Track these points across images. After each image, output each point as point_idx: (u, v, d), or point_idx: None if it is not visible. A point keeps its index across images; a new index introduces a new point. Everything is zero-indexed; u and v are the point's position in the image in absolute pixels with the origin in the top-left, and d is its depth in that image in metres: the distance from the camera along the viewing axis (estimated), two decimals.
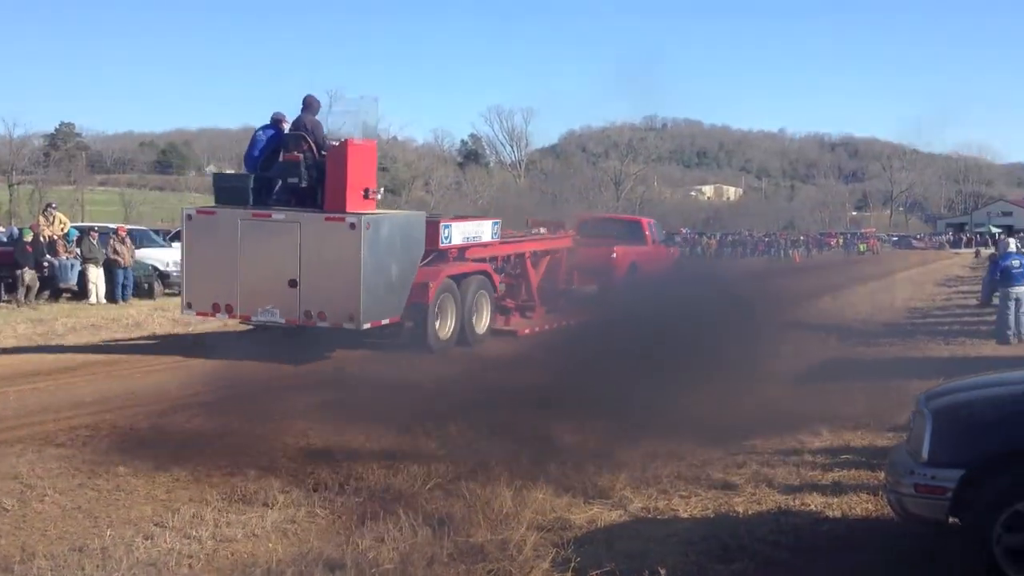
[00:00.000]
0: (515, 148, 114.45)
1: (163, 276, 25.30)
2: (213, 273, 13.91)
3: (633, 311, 16.78)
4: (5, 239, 24.43)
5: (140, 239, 27.03)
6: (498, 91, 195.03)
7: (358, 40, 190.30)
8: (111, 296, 22.67)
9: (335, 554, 6.02)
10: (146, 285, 24.32)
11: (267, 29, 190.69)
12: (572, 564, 5.89)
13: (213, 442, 8.90)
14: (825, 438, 9.53)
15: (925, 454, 5.60)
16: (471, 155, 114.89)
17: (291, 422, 9.73)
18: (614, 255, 21.18)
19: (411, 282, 14.21)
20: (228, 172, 16.07)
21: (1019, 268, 17.16)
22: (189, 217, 14.30)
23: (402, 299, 14.09)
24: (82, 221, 37.25)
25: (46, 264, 22.20)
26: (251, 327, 15.33)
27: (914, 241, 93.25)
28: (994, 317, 18.28)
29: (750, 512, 7.13)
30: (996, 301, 20.74)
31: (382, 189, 15.28)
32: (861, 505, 7.22)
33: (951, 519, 5.57)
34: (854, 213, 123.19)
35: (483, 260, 16.48)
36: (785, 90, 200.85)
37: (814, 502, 7.29)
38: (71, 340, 16.32)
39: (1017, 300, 16.94)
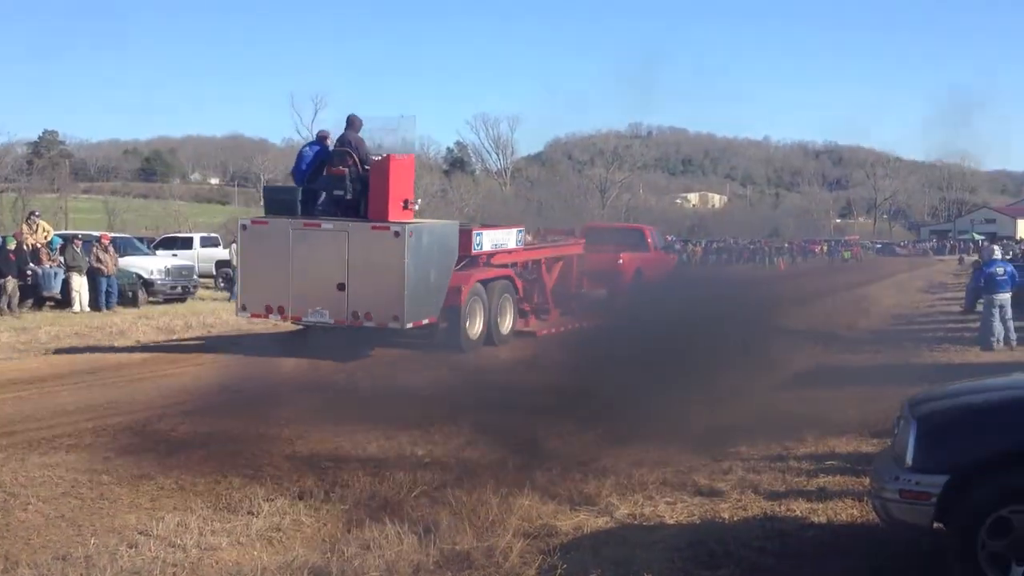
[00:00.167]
0: (501, 156, 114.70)
1: (147, 284, 25.24)
2: (266, 278, 14.93)
3: (639, 316, 18.02)
4: None
5: (124, 247, 26.96)
6: (484, 98, 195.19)
7: (344, 48, 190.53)
8: (95, 304, 22.58)
9: (320, 562, 6.00)
10: (130, 293, 24.22)
11: (252, 37, 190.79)
12: (558, 571, 5.88)
13: (198, 450, 8.87)
14: (810, 444, 9.54)
15: (910, 460, 5.61)
16: (457, 163, 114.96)
17: (278, 429, 9.72)
18: (620, 261, 22.24)
19: (447, 286, 15.24)
20: (278, 185, 17.75)
21: (1003, 275, 17.25)
22: (244, 227, 15.45)
23: (439, 301, 15.11)
24: (66, 229, 37.12)
25: (29, 272, 22.09)
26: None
27: (898, 248, 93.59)
28: (978, 324, 18.37)
29: (736, 518, 7.13)
30: (980, 308, 20.89)
31: (419, 200, 16.44)
32: (846, 511, 7.23)
33: (936, 525, 5.58)
34: (838, 220, 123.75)
35: (507, 265, 17.53)
36: (770, 97, 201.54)
37: (800, 508, 7.30)
38: (54, 348, 16.22)
39: (1001, 307, 17.02)
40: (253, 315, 15.27)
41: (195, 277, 28.04)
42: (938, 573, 5.65)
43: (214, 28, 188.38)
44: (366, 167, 15.08)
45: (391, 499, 7.41)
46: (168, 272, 26.16)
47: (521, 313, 18.01)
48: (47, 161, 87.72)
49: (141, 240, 32.87)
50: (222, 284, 31.18)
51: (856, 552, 6.33)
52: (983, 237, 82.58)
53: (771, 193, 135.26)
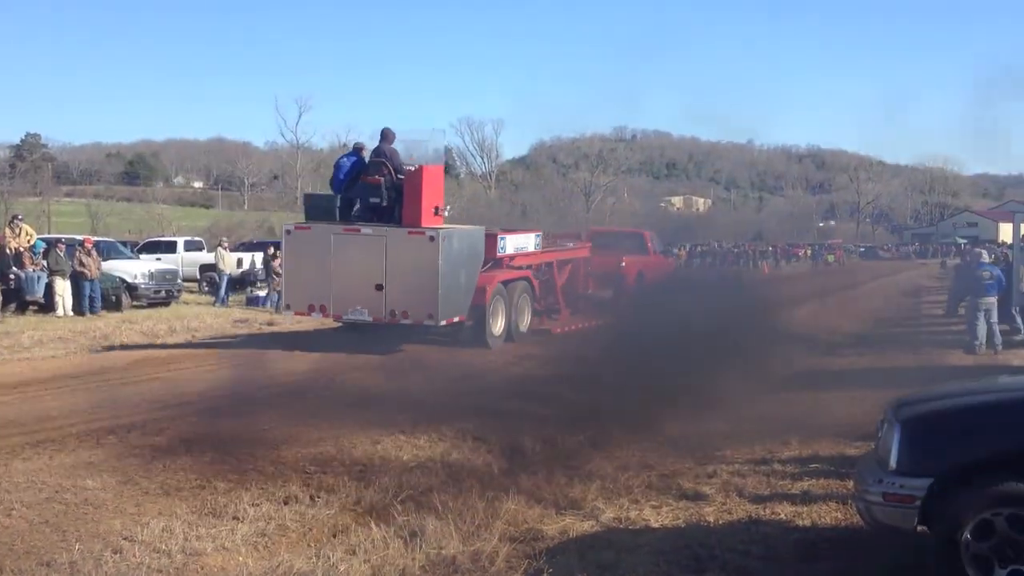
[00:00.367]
0: (485, 159, 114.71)
1: (131, 288, 25.12)
2: (309, 279, 16.03)
3: (642, 317, 19.15)
4: None
5: (107, 251, 26.87)
6: (468, 101, 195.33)
7: (326, 50, 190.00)
8: (78, 309, 22.46)
9: (306, 567, 6.00)
10: (113, 297, 24.07)
11: (234, 39, 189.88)
12: (544, 575, 5.90)
13: (182, 455, 8.84)
14: (795, 447, 9.60)
15: (893, 463, 5.65)
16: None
17: (264, 433, 9.70)
18: (623, 264, 23.19)
19: (474, 286, 16.41)
20: (318, 193, 19.25)
21: (990, 279, 17.33)
22: (288, 232, 16.62)
23: (468, 300, 16.26)
24: (48, 233, 36.90)
25: (12, 276, 21.98)
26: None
27: (881, 252, 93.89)
28: (960, 327, 18.49)
29: (721, 522, 7.16)
30: (962, 311, 21.02)
31: (448, 207, 17.49)
32: (830, 514, 7.27)
33: (919, 528, 5.62)
34: (821, 224, 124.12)
35: (525, 267, 18.67)
36: (755, 101, 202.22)
37: (784, 511, 7.34)
38: (37, 353, 16.14)
39: (987, 311, 17.11)
40: (297, 313, 16.49)
41: (179, 281, 27.92)
42: None
43: (197, 30, 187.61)
44: (400, 176, 16.20)
45: (377, 503, 7.41)
46: (152, 276, 26.05)
47: (535, 312, 19.02)
48: (29, 164, 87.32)
49: (124, 244, 32.74)
50: (206, 288, 31.10)
51: (840, 555, 6.36)
52: (965, 241, 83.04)
53: (755, 197, 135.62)
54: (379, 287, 15.57)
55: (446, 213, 16.98)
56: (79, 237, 27.15)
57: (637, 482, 8.25)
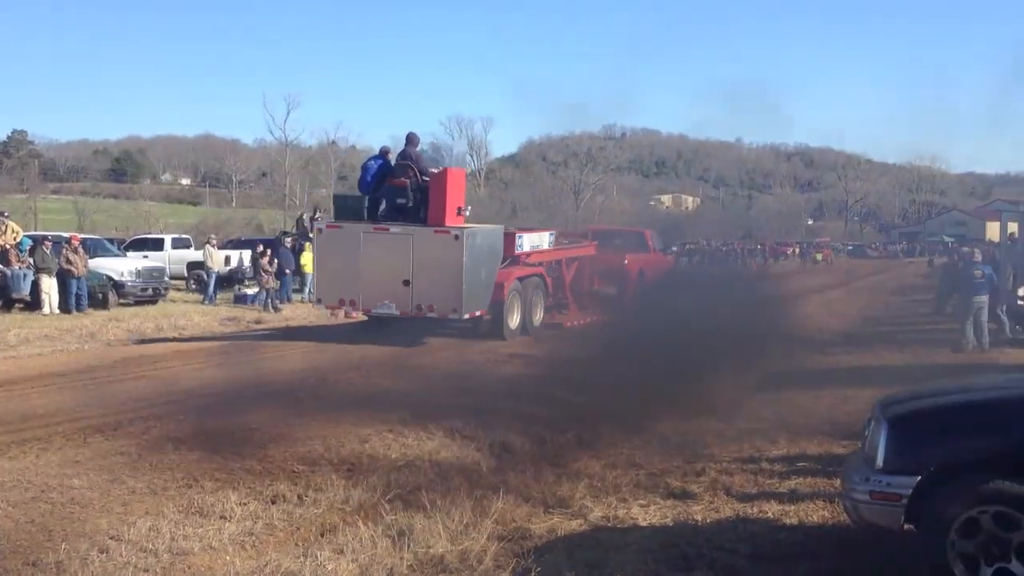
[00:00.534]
0: (475, 157, 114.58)
1: (118, 286, 25.00)
2: (339, 274, 16.99)
3: (642, 315, 20.12)
4: None
5: (94, 248, 26.71)
6: (458, 99, 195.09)
7: (315, 48, 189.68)
8: (64, 306, 22.35)
9: (294, 566, 5.98)
10: (100, 295, 23.96)
11: (222, 36, 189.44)
12: (532, 574, 5.90)
13: (169, 454, 8.81)
14: (782, 446, 9.63)
15: (880, 461, 5.67)
16: (431, 163, 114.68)
17: (252, 432, 9.67)
18: (626, 262, 23.91)
19: (494, 282, 17.38)
20: (347, 194, 20.60)
21: (981, 278, 17.37)
22: (320, 230, 17.69)
23: (488, 296, 17.22)
24: (35, 230, 36.71)
25: None
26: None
27: (869, 250, 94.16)
28: (948, 325, 18.54)
29: (708, 520, 7.18)
30: (950, 309, 21.10)
31: (469, 207, 18.37)
32: (818, 512, 7.29)
33: (906, 526, 5.63)
34: (810, 222, 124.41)
35: (538, 265, 19.53)
36: (742, 99, 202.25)
37: (771, 510, 7.36)
38: (24, 351, 16.08)
39: (978, 309, 17.15)
40: (328, 307, 17.56)
41: (166, 279, 27.80)
42: (908, 574, 5.70)
43: (185, 27, 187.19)
44: (425, 178, 17.19)
45: (365, 502, 7.40)
46: (139, 274, 25.91)
47: (545, 308, 19.79)
48: (16, 161, 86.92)
49: (111, 241, 32.59)
50: (194, 286, 30.98)
51: (827, 554, 6.38)
52: (953, 239, 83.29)
53: (743, 195, 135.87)
54: (406, 283, 16.53)
55: (467, 213, 17.89)
56: (66, 234, 26.97)
57: (625, 480, 8.27)
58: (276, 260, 26.34)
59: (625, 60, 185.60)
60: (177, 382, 12.96)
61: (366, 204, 17.47)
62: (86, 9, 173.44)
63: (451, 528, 6.68)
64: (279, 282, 26.42)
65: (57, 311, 22.10)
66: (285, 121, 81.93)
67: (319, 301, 17.78)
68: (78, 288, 22.74)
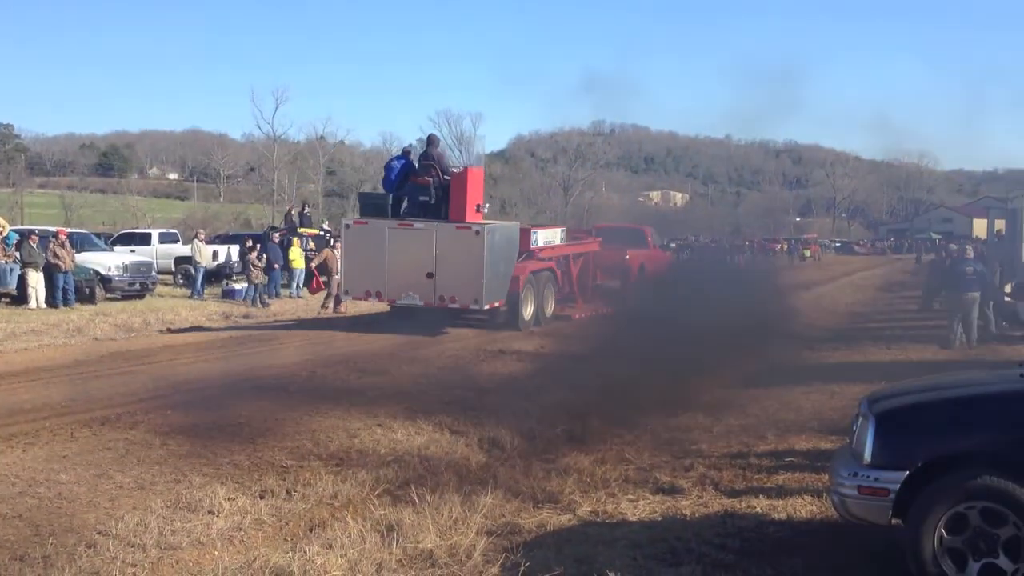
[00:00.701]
0: (464, 152, 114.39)
1: (105, 281, 24.90)
2: (366, 267, 17.89)
3: (644, 307, 20.78)
4: None
5: (81, 243, 26.62)
6: (447, 95, 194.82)
7: (303, 42, 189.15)
8: (51, 301, 22.28)
9: (282, 561, 5.97)
10: (87, 290, 23.88)
11: (210, 30, 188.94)
12: (521, 568, 5.90)
13: (157, 448, 8.79)
14: (770, 441, 9.65)
15: (868, 456, 5.69)
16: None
17: (240, 427, 9.66)
18: (627, 257, 24.93)
19: (510, 275, 18.28)
20: (371, 192, 21.83)
21: (972, 274, 17.42)
22: (347, 226, 18.61)
23: (505, 288, 18.16)
24: (21, 224, 36.60)
25: None
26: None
27: (856, 247, 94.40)
28: (935, 322, 18.60)
29: (697, 515, 7.19)
30: (937, 306, 21.17)
31: (487, 204, 19.61)
32: (806, 507, 7.31)
33: (894, 521, 5.66)
34: (798, 219, 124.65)
35: (549, 259, 20.43)
36: (731, 97, 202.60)
37: (760, 505, 7.38)
38: (10, 346, 16.00)
39: (968, 306, 17.19)
40: (355, 297, 18.76)
41: (154, 274, 27.72)
42: (896, 569, 5.72)
43: (173, 21, 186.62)
44: (446, 177, 18.24)
45: (354, 497, 7.39)
46: (126, 268, 25.83)
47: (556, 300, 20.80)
48: (2, 155, 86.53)
49: (99, 236, 32.42)
50: (181, 281, 30.89)
51: (815, 548, 6.39)
52: (940, 236, 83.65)
53: (732, 192, 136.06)
54: (430, 275, 17.47)
55: (485, 210, 19.06)
56: (52, 229, 26.90)
57: (614, 475, 8.28)
58: (264, 255, 26.28)
59: (619, 55, 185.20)
60: (165, 377, 12.92)
61: (390, 202, 18.40)
62: (73, 2, 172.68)
63: (440, 523, 6.68)
64: (267, 277, 26.36)
65: (44, 306, 22.03)
66: (273, 116, 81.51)
67: (346, 292, 18.71)
68: (65, 282, 22.68)
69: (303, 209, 36.57)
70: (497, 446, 9.31)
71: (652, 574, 5.93)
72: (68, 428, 9.55)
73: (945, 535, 5.41)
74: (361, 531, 6.48)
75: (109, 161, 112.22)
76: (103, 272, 25.00)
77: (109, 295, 24.79)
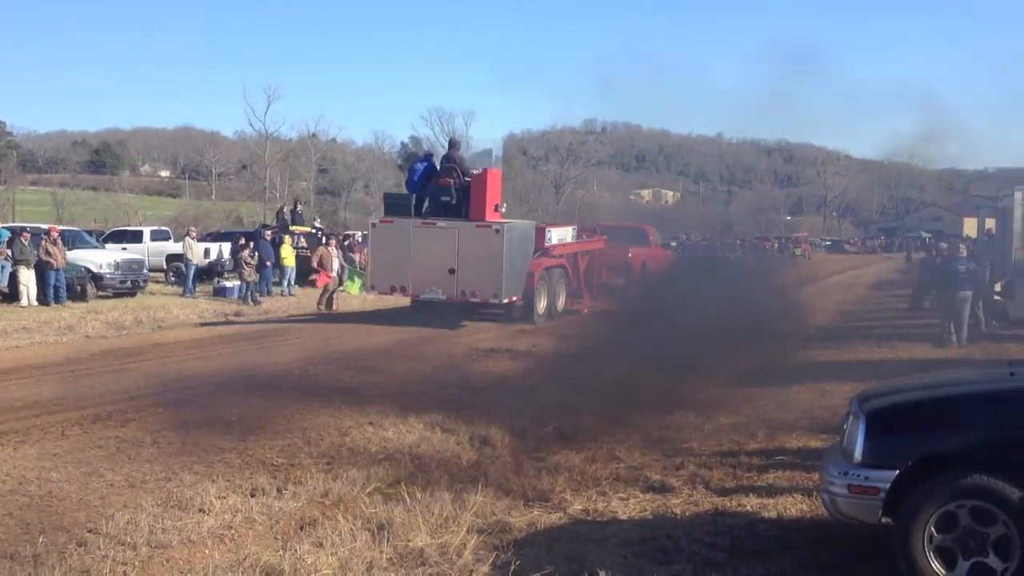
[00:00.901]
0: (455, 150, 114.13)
1: (96, 278, 24.84)
2: (391, 264, 19.00)
3: (646, 304, 21.24)
4: None
5: (73, 240, 26.54)
6: (439, 92, 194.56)
7: (296, 40, 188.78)
8: (43, 298, 22.24)
9: (273, 560, 5.97)
10: (79, 287, 23.82)
11: (202, 27, 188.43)
12: (512, 567, 5.90)
13: (147, 447, 8.78)
14: (761, 440, 9.67)
15: (858, 455, 5.71)
16: (411, 157, 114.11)
17: (231, 425, 9.65)
18: (630, 255, 26.00)
19: (526, 271, 19.30)
20: (396, 192, 22.78)
21: (964, 273, 17.46)
22: (373, 225, 19.91)
23: (522, 283, 19.19)
24: (13, 221, 36.47)
25: None
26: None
27: (847, 246, 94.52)
28: (925, 320, 18.63)
29: (687, 513, 7.21)
30: (928, 304, 21.21)
31: (504, 204, 20.62)
32: (796, 506, 7.33)
33: (884, 519, 5.68)
34: (789, 218, 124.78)
35: (561, 256, 21.43)
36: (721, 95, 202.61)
37: (750, 503, 7.39)
38: (1, 344, 15.96)
39: (960, 304, 17.22)
40: (381, 292, 19.86)
41: (145, 271, 27.65)
42: (886, 567, 5.74)
43: (165, 18, 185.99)
44: (467, 179, 19.30)
45: (344, 496, 7.39)
46: (118, 266, 25.77)
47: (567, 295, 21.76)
48: None
49: (90, 233, 32.33)
50: (173, 279, 30.81)
51: (805, 547, 6.41)
52: (930, 235, 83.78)
53: (723, 190, 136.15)
54: (452, 271, 18.53)
55: (503, 210, 20.12)
56: (44, 226, 26.82)
57: (605, 474, 8.29)
58: (257, 253, 26.24)
59: (613, 52, 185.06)
60: (156, 375, 12.90)
61: (413, 201, 19.46)
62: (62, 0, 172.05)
63: (431, 521, 6.69)
64: (259, 275, 26.33)
65: (35, 303, 22.00)
66: (265, 113, 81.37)
67: (372, 287, 19.90)
68: (56, 280, 22.63)
69: (295, 207, 36.55)
70: (488, 444, 9.30)
71: (643, 573, 5.94)
72: (59, 426, 9.53)
73: (935, 534, 5.43)
74: (352, 529, 6.48)
75: (101, 158, 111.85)
76: (95, 270, 24.96)
77: (101, 293, 24.73)
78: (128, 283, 25.87)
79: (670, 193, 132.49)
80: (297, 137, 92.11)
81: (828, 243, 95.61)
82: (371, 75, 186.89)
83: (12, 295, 22.15)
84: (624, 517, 7.15)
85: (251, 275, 25.61)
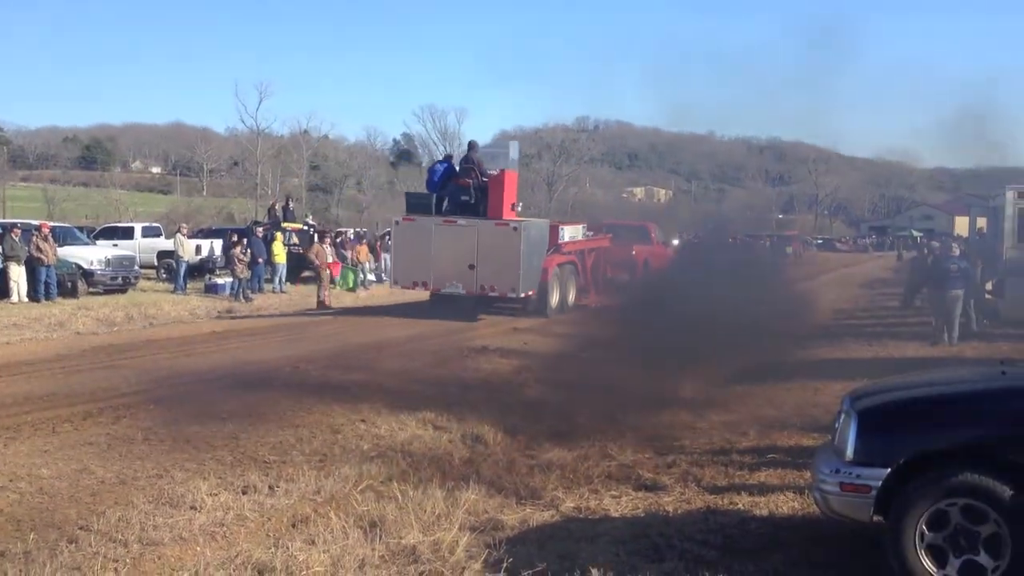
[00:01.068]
0: (448, 148, 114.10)
1: (87, 275, 24.76)
2: (413, 260, 20.09)
3: (649, 300, 21.64)
4: None
5: (64, 237, 26.45)
6: (431, 89, 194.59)
7: (288, 36, 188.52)
8: (33, 295, 22.16)
9: (265, 557, 5.96)
10: (70, 284, 23.74)
11: (193, 23, 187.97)
12: (504, 565, 5.90)
13: (139, 444, 8.76)
14: (753, 438, 9.68)
15: (850, 453, 5.72)
16: (404, 154, 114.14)
17: (223, 422, 9.63)
18: (634, 252, 26.96)
19: (540, 267, 20.43)
20: (417, 192, 23.19)
21: (956, 272, 17.48)
22: (396, 223, 20.91)
23: (537, 278, 20.31)
24: (3, 218, 36.34)
25: None
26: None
27: (838, 244, 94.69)
28: (916, 319, 18.64)
29: (679, 511, 7.21)
30: (919, 303, 21.25)
31: (520, 204, 22.10)
32: (787, 504, 7.34)
33: (876, 517, 5.69)
34: (780, 216, 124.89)
35: (571, 253, 22.52)
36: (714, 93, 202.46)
37: (742, 501, 7.40)
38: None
39: (952, 303, 17.26)
40: (403, 287, 20.68)
41: (136, 268, 27.57)
42: (877, 565, 5.75)
43: (157, 14, 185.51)
44: (485, 179, 20.40)
45: (336, 493, 7.38)
46: (109, 262, 25.69)
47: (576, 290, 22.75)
48: None
49: (81, 230, 32.23)
50: (164, 275, 30.73)
51: (797, 545, 6.42)
52: (921, 234, 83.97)
53: (715, 188, 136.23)
54: (471, 267, 19.63)
55: (519, 208, 21.40)
56: (35, 222, 26.70)
57: (597, 472, 8.29)
58: (249, 250, 26.19)
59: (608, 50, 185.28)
60: (147, 372, 12.88)
61: (433, 201, 20.50)
62: None
63: (423, 519, 6.68)
64: (251, 272, 26.28)
65: (26, 299, 21.92)
66: (257, 110, 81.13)
67: (395, 282, 20.83)
68: (47, 276, 22.55)
69: (287, 204, 36.47)
70: (480, 442, 9.31)
71: (635, 570, 5.95)
72: (50, 423, 9.51)
73: (926, 532, 5.44)
74: (344, 527, 6.48)
75: (92, 154, 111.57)
76: (85, 266, 24.87)
77: (91, 289, 24.67)
78: (119, 280, 25.80)
79: (663, 191, 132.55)
80: (289, 134, 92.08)
81: (819, 241, 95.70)
82: (363, 72, 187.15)
83: (2, 291, 22.04)
84: (616, 515, 7.15)
85: (243, 272, 25.57)
